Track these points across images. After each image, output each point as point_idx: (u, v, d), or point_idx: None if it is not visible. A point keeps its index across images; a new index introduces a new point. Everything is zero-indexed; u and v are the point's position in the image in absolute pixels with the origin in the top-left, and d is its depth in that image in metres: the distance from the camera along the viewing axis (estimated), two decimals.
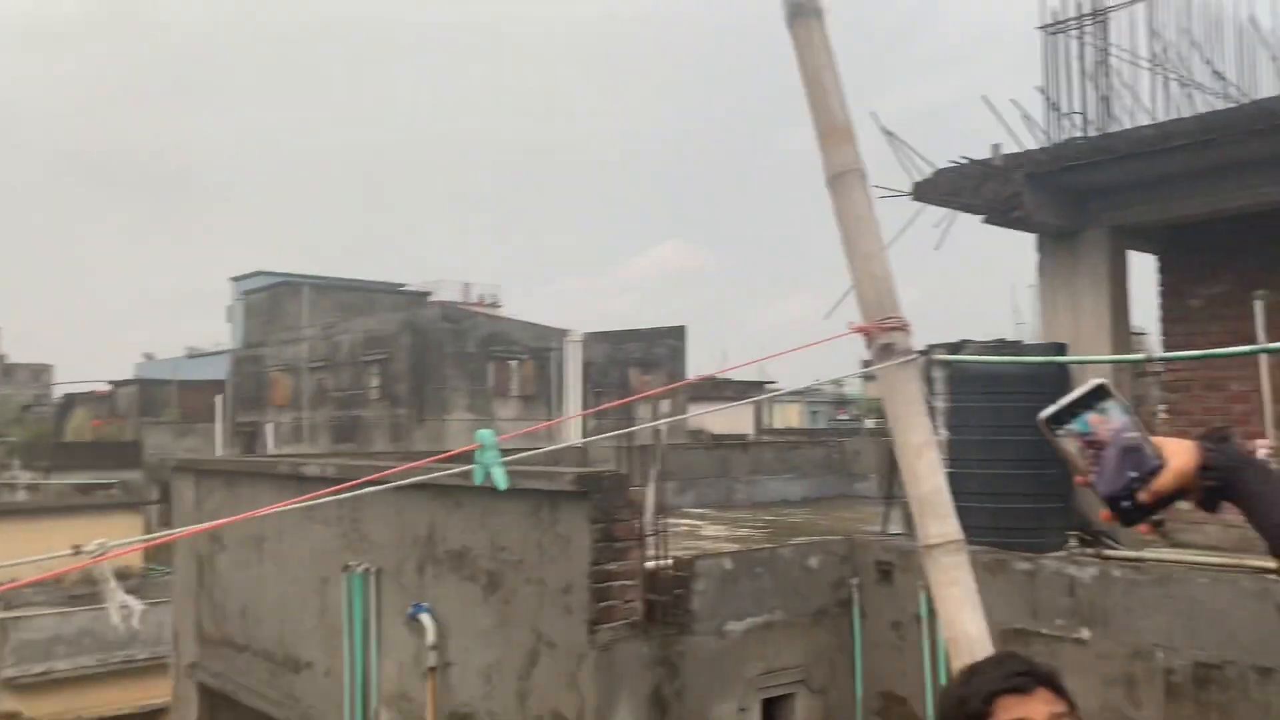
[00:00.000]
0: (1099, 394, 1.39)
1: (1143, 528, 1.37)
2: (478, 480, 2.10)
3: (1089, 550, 7.02)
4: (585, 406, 19.92)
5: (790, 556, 6.75)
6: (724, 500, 12.80)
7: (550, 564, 5.98)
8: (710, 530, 9.68)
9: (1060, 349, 8.23)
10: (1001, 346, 8.24)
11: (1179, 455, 1.33)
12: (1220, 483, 1.32)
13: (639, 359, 38.05)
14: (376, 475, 6.02)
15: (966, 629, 2.27)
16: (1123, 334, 8.53)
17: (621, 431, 5.44)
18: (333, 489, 2.82)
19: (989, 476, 7.18)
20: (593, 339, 30.86)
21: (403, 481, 5.72)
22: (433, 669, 6.64)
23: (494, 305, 50.23)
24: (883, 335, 2.46)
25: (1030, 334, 14.99)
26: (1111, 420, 1.37)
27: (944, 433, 7.89)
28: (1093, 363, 7.88)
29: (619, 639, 5.79)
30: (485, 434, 2.09)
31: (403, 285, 48.07)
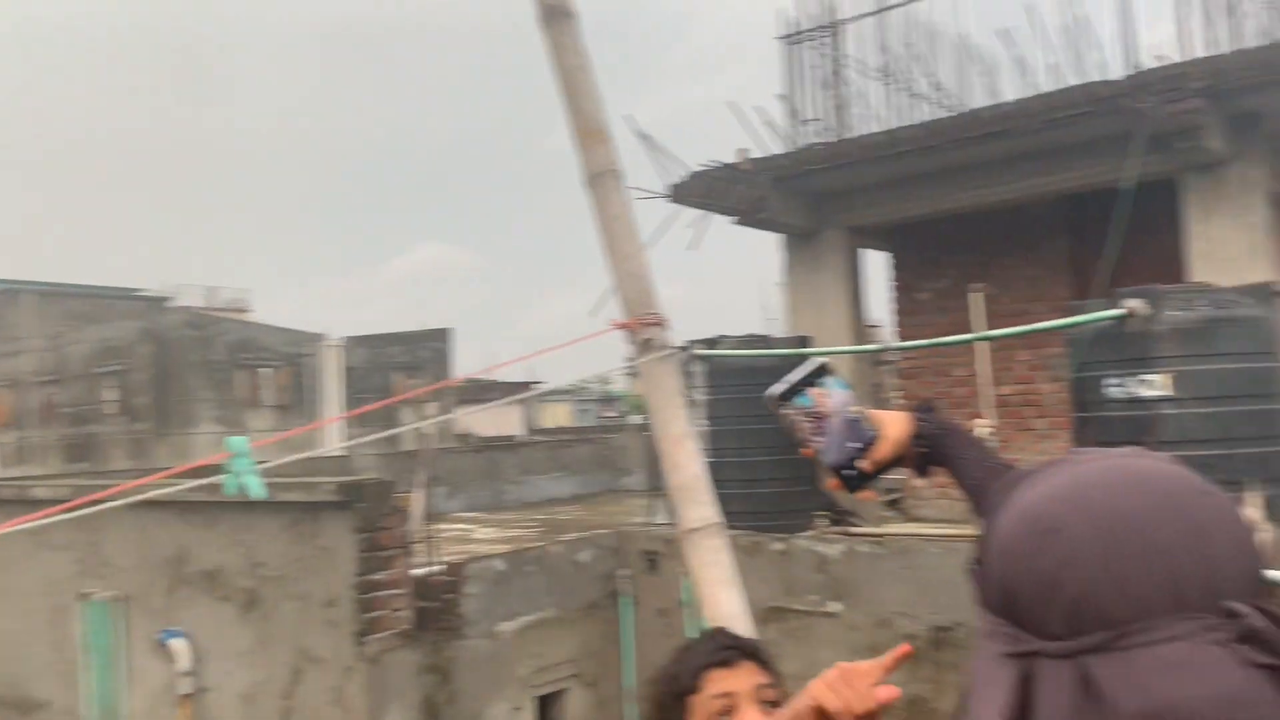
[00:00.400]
0: (820, 372, 1.50)
1: (865, 494, 1.48)
2: (229, 491, 2.01)
3: (836, 529, 7.50)
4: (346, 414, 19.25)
5: (560, 553, 6.83)
6: (495, 502, 12.74)
7: (313, 577, 5.76)
8: (482, 533, 9.62)
9: (806, 342, 8.74)
10: (753, 341, 8.67)
11: (893, 425, 1.45)
12: (929, 448, 1.44)
13: (403, 363, 37.16)
14: (112, 490, 5.60)
15: (725, 608, 2.39)
16: (860, 326, 9.16)
17: (380, 434, 5.31)
18: (61, 507, 2.61)
19: (744, 464, 7.55)
20: (352, 344, 29.86)
21: (144, 496, 5.34)
22: (187, 696, 6.25)
23: (242, 310, 47.61)
24: (642, 331, 2.54)
25: (780, 328, 15.79)
26: (832, 396, 1.47)
27: (703, 424, 8.21)
28: (835, 354, 8.42)
29: (388, 649, 5.66)
30: (237, 441, 2.00)
31: (139, 290, 44.74)
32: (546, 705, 6.57)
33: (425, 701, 5.81)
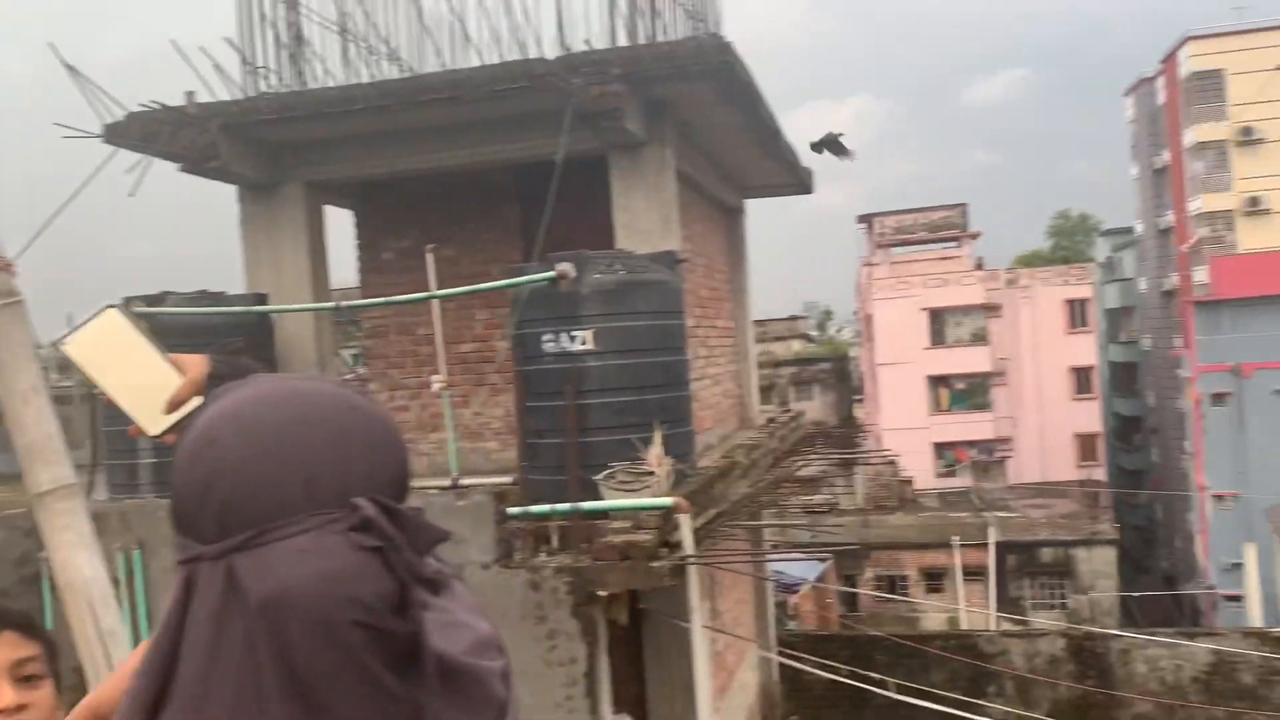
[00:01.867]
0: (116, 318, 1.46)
1: (167, 438, 1.47)
2: None
3: None
4: None
5: None
6: None
7: None
8: None
9: (263, 299, 8.44)
10: (204, 298, 8.19)
11: (192, 368, 1.47)
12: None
13: None
14: None
15: (83, 572, 2.26)
16: (322, 284, 9.03)
17: None
18: None
19: None
20: None
21: None
22: None
23: None
24: None
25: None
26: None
27: None
28: (290, 311, 8.24)
29: None
30: None
31: None
32: None
33: None
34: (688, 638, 7.12)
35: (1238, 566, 22.81)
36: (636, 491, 6.42)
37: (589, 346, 6.83)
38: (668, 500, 5.83)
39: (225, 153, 8.05)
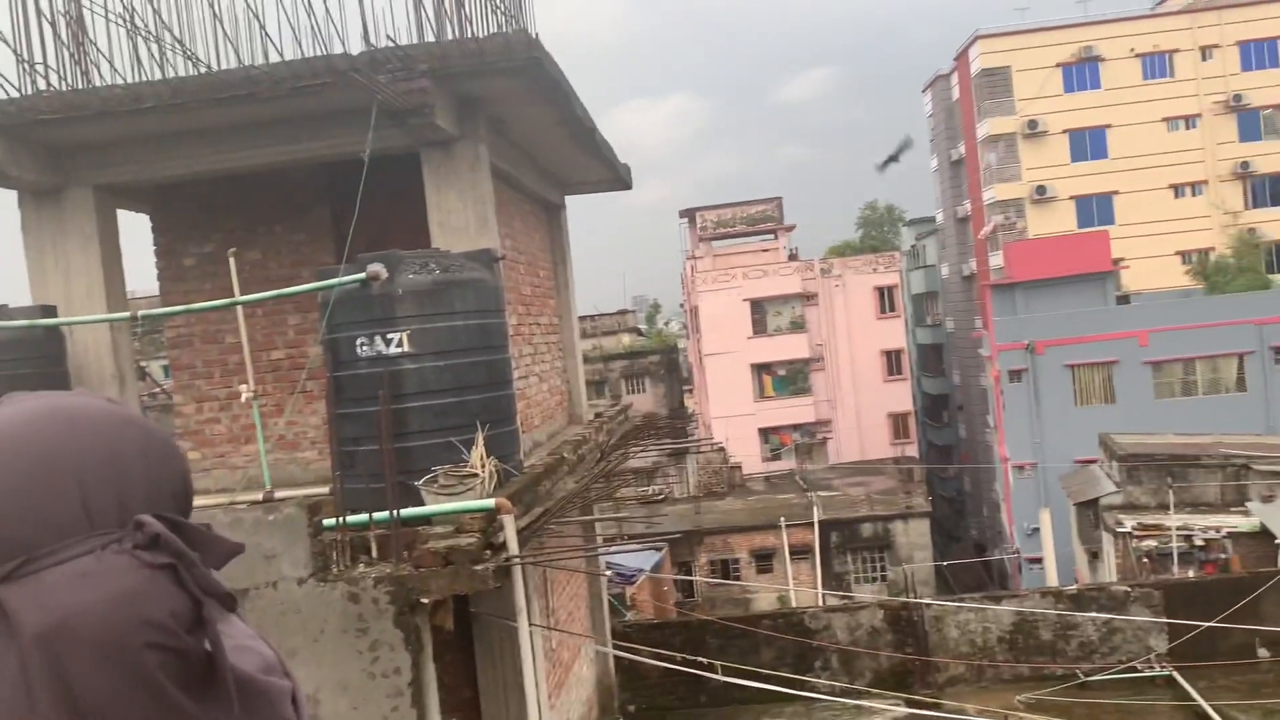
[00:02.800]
0: None
1: None
2: None
3: None
4: None
5: None
6: None
7: None
8: None
9: (50, 312, 7.90)
10: None
11: None
12: None
13: None
14: None
15: None
16: (118, 294, 8.51)
17: None
18: None
19: None
20: None
21: None
22: None
23: None
24: None
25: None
26: None
27: None
28: (80, 323, 7.74)
29: None
30: None
31: None
32: None
33: None
34: (519, 638, 7.09)
35: (1037, 531, 24.49)
36: (459, 495, 6.34)
37: (405, 349, 6.70)
38: (489, 502, 5.78)
39: (0, 156, 7.47)
